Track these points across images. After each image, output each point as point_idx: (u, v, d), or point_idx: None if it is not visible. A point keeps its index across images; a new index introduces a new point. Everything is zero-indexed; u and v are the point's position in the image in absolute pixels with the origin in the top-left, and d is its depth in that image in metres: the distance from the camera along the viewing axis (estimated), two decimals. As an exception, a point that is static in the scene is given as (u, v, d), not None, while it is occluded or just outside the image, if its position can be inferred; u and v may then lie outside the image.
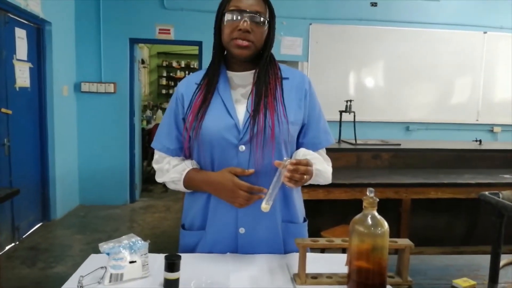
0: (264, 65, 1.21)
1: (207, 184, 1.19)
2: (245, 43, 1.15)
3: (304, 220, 1.33)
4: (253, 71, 1.23)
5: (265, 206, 1.05)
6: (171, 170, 1.24)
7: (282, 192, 1.23)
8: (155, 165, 1.30)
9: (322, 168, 1.22)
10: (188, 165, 1.24)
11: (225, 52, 1.26)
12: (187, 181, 1.22)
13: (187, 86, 1.27)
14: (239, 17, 1.15)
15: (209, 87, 1.21)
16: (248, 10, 1.14)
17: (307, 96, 1.25)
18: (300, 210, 1.30)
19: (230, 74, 1.25)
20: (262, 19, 1.16)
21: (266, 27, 1.18)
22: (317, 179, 1.22)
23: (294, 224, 1.27)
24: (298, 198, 1.30)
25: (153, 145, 1.30)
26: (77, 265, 1.11)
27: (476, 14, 5.30)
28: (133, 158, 5.13)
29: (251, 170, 1.14)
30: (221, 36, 1.20)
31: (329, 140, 1.29)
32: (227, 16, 1.16)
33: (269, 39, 1.21)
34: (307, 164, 1.07)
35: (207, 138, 1.17)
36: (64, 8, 4.47)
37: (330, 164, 1.30)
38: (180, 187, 1.23)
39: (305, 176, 1.07)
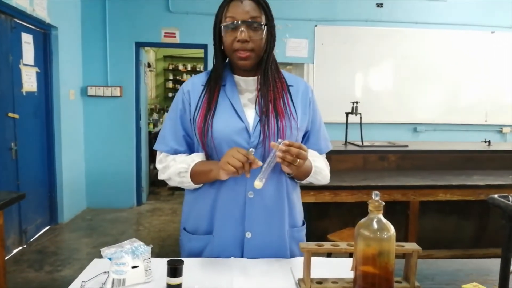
0: (267, 70, 1.20)
1: (215, 163, 1.15)
2: (246, 53, 1.15)
3: (303, 224, 1.33)
4: (257, 76, 1.23)
5: (258, 183, 1.04)
6: (177, 162, 1.21)
7: (287, 198, 1.24)
8: (159, 165, 1.26)
9: (321, 166, 1.27)
10: (197, 157, 1.20)
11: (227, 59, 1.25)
12: (195, 170, 1.18)
13: (193, 86, 1.25)
14: (236, 28, 1.14)
15: (215, 89, 1.20)
16: (243, 20, 1.14)
17: (311, 104, 1.29)
18: (300, 213, 1.32)
19: (237, 78, 1.25)
20: (258, 25, 1.15)
21: (264, 31, 1.17)
22: (316, 177, 1.26)
23: (297, 228, 1.29)
24: (298, 202, 1.31)
25: (157, 147, 1.26)
26: (83, 268, 1.11)
27: (483, 13, 5.24)
28: (140, 161, 5.14)
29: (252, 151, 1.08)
30: (222, 45, 1.20)
31: (328, 147, 1.35)
32: (225, 28, 1.16)
33: (269, 41, 1.20)
34: (300, 147, 1.07)
35: (217, 141, 1.17)
36: (70, 13, 4.51)
37: (329, 168, 1.34)
38: (186, 179, 1.19)
39: (298, 160, 1.06)
